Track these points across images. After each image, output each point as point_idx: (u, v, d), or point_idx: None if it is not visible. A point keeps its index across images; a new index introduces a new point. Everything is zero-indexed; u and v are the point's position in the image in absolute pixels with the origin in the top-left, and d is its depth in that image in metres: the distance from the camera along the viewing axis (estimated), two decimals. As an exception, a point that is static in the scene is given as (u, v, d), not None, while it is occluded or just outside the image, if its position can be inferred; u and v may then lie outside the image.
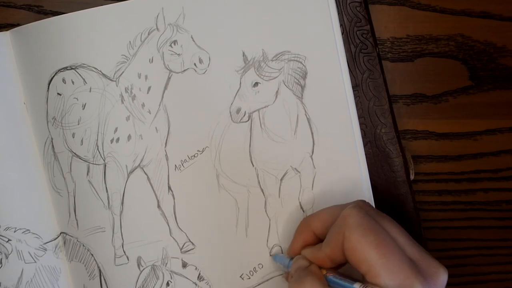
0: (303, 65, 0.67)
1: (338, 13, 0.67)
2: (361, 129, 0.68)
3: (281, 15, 0.67)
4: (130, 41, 0.66)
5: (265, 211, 0.69)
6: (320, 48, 0.67)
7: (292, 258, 0.64)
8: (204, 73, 0.67)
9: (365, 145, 0.68)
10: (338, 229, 0.56)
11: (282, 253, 0.68)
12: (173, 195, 0.68)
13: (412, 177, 0.69)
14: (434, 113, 0.71)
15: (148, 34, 0.67)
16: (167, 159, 0.68)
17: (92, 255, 0.69)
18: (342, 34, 0.67)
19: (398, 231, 0.56)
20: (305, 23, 0.67)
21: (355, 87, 0.68)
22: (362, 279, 0.55)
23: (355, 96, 0.68)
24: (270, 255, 0.68)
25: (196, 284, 0.68)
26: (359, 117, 0.68)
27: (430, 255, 0.55)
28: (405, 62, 0.71)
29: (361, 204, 0.58)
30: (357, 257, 0.54)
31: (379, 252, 0.53)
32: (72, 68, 0.67)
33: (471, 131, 0.72)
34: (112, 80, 0.67)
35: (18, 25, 0.68)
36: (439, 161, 0.72)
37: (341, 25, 0.67)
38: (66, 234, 0.69)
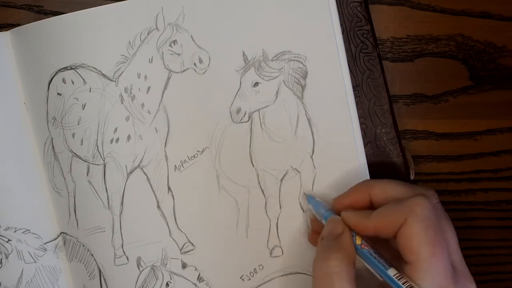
0: (304, 65, 0.67)
1: (338, 13, 0.67)
2: (361, 129, 0.68)
3: (282, 15, 0.67)
4: (129, 41, 0.67)
5: (266, 211, 0.69)
6: (320, 48, 0.67)
7: (329, 210, 0.63)
8: (204, 73, 0.67)
9: (365, 145, 0.68)
10: (401, 211, 0.56)
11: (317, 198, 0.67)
12: (172, 195, 0.68)
13: (412, 177, 0.69)
14: (434, 113, 0.71)
15: (148, 34, 0.67)
16: (166, 159, 0.68)
17: (92, 255, 0.69)
18: (342, 34, 0.67)
19: (452, 234, 0.58)
20: (306, 22, 0.67)
21: (355, 87, 0.68)
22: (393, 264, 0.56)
23: (355, 96, 0.68)
24: (305, 194, 0.68)
25: (195, 285, 0.69)
26: (359, 117, 0.68)
27: (467, 268, 0.58)
28: (405, 62, 0.71)
29: (430, 195, 0.59)
30: (410, 246, 0.55)
31: (433, 251, 0.54)
32: (72, 68, 0.67)
33: (471, 131, 0.72)
34: (112, 80, 0.67)
35: (18, 25, 0.68)
36: (439, 161, 0.72)
37: (341, 25, 0.67)
38: (66, 234, 0.69)
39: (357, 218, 0.59)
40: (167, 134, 0.68)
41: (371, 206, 0.61)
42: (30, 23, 0.67)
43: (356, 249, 0.58)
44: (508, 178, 0.72)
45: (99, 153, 0.68)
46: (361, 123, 0.68)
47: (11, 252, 0.68)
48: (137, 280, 0.69)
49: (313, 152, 0.68)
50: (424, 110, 0.71)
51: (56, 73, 0.67)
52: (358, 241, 0.58)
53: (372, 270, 0.58)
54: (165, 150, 0.68)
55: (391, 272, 0.56)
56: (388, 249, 0.59)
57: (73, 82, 0.67)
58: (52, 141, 0.68)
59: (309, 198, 0.67)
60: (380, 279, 0.57)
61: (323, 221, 0.63)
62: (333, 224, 0.61)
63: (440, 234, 0.55)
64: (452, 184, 0.73)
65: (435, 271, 0.54)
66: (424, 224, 0.55)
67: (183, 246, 0.68)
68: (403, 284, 0.54)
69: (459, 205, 0.73)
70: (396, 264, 0.57)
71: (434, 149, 0.72)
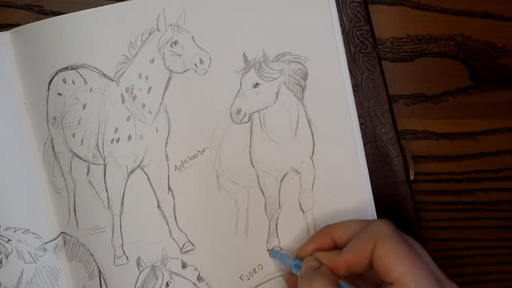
0: (304, 66, 0.67)
1: (338, 14, 0.67)
2: (361, 129, 0.68)
3: (282, 16, 0.67)
4: (131, 41, 0.67)
5: (265, 212, 0.69)
6: (320, 49, 0.67)
7: (296, 258, 0.64)
8: (204, 73, 0.67)
9: (364, 145, 0.68)
10: (367, 237, 0.57)
11: (282, 251, 0.68)
12: (173, 195, 0.68)
13: (412, 177, 0.70)
14: (434, 113, 0.72)
15: (149, 34, 0.67)
16: (167, 159, 0.68)
17: (92, 255, 0.69)
18: (342, 34, 0.68)
19: (424, 251, 0.58)
20: (306, 24, 0.67)
21: (355, 87, 0.68)
22: None
23: (355, 96, 0.68)
24: (268, 250, 0.68)
25: (195, 285, 0.69)
26: (359, 117, 0.68)
27: (449, 279, 0.57)
28: (405, 62, 0.71)
29: (390, 222, 0.59)
30: (387, 265, 0.55)
31: (410, 263, 0.54)
32: (73, 68, 0.67)
33: (471, 131, 0.72)
34: (113, 80, 0.67)
35: (18, 25, 0.68)
36: (439, 161, 0.72)
37: (340, 25, 0.67)
38: (66, 234, 0.69)
39: (329, 257, 0.60)
40: (168, 134, 0.68)
41: (336, 249, 0.62)
42: (30, 23, 0.67)
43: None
44: (508, 178, 0.73)
45: (100, 153, 0.68)
46: (360, 123, 0.68)
47: (11, 252, 0.68)
48: (137, 280, 0.69)
49: (313, 153, 0.68)
50: (424, 110, 0.72)
51: (56, 73, 0.67)
52: (340, 280, 0.59)
53: None
54: (165, 150, 0.68)
55: None
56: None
57: (73, 82, 0.67)
58: (52, 141, 0.68)
59: (274, 253, 0.68)
60: None
61: (293, 271, 0.64)
62: (309, 262, 0.61)
63: (411, 247, 0.56)
64: (452, 184, 0.73)
65: (419, 282, 0.54)
66: (394, 241, 0.56)
67: (183, 246, 0.68)
68: None
69: (459, 205, 0.73)
70: None
71: (434, 149, 0.72)
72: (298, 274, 0.62)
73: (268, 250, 0.69)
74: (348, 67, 0.68)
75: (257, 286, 0.69)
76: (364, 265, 0.57)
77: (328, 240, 0.63)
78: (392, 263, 0.55)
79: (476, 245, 0.74)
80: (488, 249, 0.74)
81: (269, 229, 0.69)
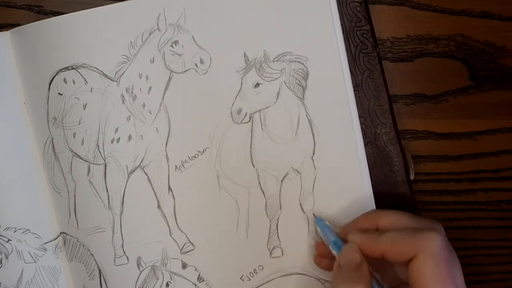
0: (305, 66, 0.67)
1: (338, 13, 0.67)
2: (361, 129, 0.68)
3: (283, 16, 0.66)
4: (131, 41, 0.66)
5: (266, 212, 0.68)
6: (321, 49, 0.67)
7: (337, 236, 0.63)
8: (205, 73, 0.67)
9: (365, 145, 0.68)
10: (413, 244, 0.56)
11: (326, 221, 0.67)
12: (173, 195, 0.68)
13: (412, 177, 0.69)
14: (434, 113, 0.71)
15: (149, 34, 0.66)
16: (167, 159, 0.68)
17: (92, 255, 0.69)
18: (342, 34, 0.67)
19: (459, 269, 0.57)
20: (307, 24, 0.67)
21: (355, 87, 0.68)
22: None
23: (355, 96, 0.68)
24: (314, 215, 0.68)
25: (196, 285, 0.68)
26: (359, 117, 0.68)
27: None
28: (405, 62, 0.71)
29: (439, 229, 0.58)
30: (421, 282, 0.54)
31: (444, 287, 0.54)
32: (73, 68, 0.67)
33: (471, 131, 0.72)
34: (113, 80, 0.67)
35: (18, 25, 0.68)
36: (439, 161, 0.72)
37: (341, 25, 0.67)
38: (66, 234, 0.69)
39: (366, 239, 0.60)
40: (168, 134, 0.67)
41: None
42: (30, 23, 0.67)
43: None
44: (508, 178, 0.72)
45: (100, 153, 0.68)
46: (361, 123, 0.68)
47: (11, 252, 0.68)
48: (137, 280, 0.68)
49: (313, 153, 0.68)
50: (424, 110, 0.71)
51: (57, 73, 0.67)
52: (373, 279, 0.59)
53: None
54: (166, 150, 0.68)
55: None
56: (391, 273, 0.60)
57: (74, 82, 0.67)
58: (52, 141, 0.68)
59: (318, 220, 0.67)
60: None
61: (330, 246, 0.63)
62: (351, 253, 0.60)
63: (450, 271, 0.55)
64: (452, 184, 0.73)
65: None
66: (436, 261, 0.55)
67: (183, 246, 0.68)
68: None
69: (459, 205, 0.73)
70: None
71: (434, 149, 0.72)
72: (334, 252, 0.62)
73: (313, 214, 0.68)
74: (349, 67, 0.67)
75: (257, 286, 0.69)
76: (397, 261, 0.57)
77: (373, 225, 0.62)
78: (425, 283, 0.54)
79: (476, 245, 0.73)
80: (488, 249, 0.74)
81: (269, 229, 0.68)
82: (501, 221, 0.73)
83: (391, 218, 0.61)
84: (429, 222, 0.60)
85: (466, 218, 0.73)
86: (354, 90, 0.67)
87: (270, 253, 0.69)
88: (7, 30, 0.68)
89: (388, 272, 0.61)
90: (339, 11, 0.67)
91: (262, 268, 0.69)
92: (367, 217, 0.63)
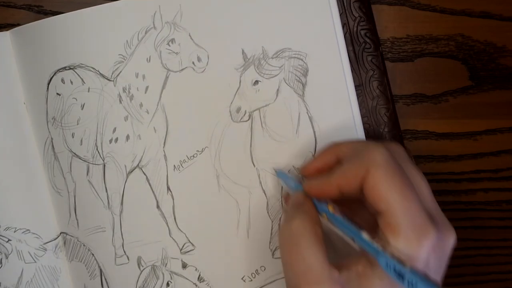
0: (304, 62, 0.66)
1: (342, 12, 0.66)
2: (364, 128, 0.66)
3: (281, 12, 0.65)
4: (127, 40, 0.65)
5: (267, 212, 0.67)
6: (321, 45, 0.66)
7: (299, 183, 0.61)
8: (202, 71, 0.66)
9: (367, 144, 0.67)
10: (361, 162, 0.54)
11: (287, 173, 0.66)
12: (172, 195, 0.67)
13: (412, 177, 0.68)
14: (434, 113, 0.70)
15: (145, 33, 0.65)
16: (165, 159, 0.67)
17: (92, 254, 0.68)
18: (346, 33, 0.66)
19: (422, 182, 0.55)
20: (306, 19, 0.65)
21: (359, 86, 0.67)
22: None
23: (359, 96, 0.66)
24: (275, 169, 0.66)
25: (196, 285, 0.68)
26: (363, 116, 0.67)
27: (445, 217, 0.55)
28: (405, 62, 0.70)
29: (392, 146, 0.57)
30: (378, 195, 0.52)
31: (402, 195, 0.52)
32: (70, 68, 0.66)
33: (471, 131, 0.70)
34: (110, 80, 0.66)
35: (18, 25, 0.67)
36: (439, 161, 0.71)
37: (344, 24, 0.66)
38: (66, 234, 0.68)
39: (320, 181, 0.58)
40: (166, 134, 0.66)
41: None
42: (30, 23, 0.66)
43: (329, 217, 0.56)
44: (508, 178, 0.71)
45: (99, 153, 0.67)
46: (364, 122, 0.67)
47: (11, 252, 0.67)
48: (137, 280, 0.68)
49: (315, 151, 0.66)
50: (424, 110, 0.70)
51: (55, 73, 0.66)
52: (331, 208, 0.56)
53: (345, 236, 0.55)
54: (164, 150, 0.67)
55: (364, 234, 0.53)
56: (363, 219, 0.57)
57: (71, 82, 0.66)
58: (52, 141, 0.67)
59: (279, 173, 0.66)
60: (353, 243, 0.54)
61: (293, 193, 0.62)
62: (295, 197, 0.59)
63: (405, 178, 0.53)
64: (452, 184, 0.71)
65: (409, 213, 0.51)
66: (387, 170, 0.52)
67: (183, 246, 0.67)
68: (376, 242, 0.52)
69: (459, 205, 0.72)
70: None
71: (434, 149, 0.71)
72: None
73: (274, 169, 0.66)
74: (352, 66, 0.66)
75: (259, 287, 0.68)
76: (356, 191, 0.54)
77: (333, 157, 0.60)
78: (382, 194, 0.52)
79: (476, 245, 0.72)
80: (488, 249, 0.72)
81: (271, 229, 0.67)
82: (501, 221, 0.72)
83: (349, 145, 0.59)
84: (388, 141, 0.58)
85: (466, 218, 0.72)
86: (358, 90, 0.66)
87: (272, 254, 0.67)
88: (7, 30, 0.67)
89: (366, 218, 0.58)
90: (342, 11, 0.66)
91: (264, 269, 0.67)
92: (327, 151, 0.61)
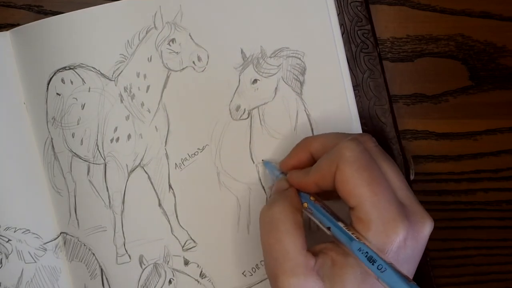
0: (302, 61, 0.66)
1: (339, 13, 0.66)
2: (362, 129, 0.67)
3: (279, 11, 0.65)
4: (128, 40, 0.65)
5: (267, 208, 0.67)
6: (318, 44, 0.66)
7: (281, 173, 0.62)
8: (203, 71, 0.66)
9: (365, 145, 0.66)
10: (332, 158, 0.54)
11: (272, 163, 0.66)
12: (174, 193, 0.67)
13: (412, 177, 0.68)
14: (434, 113, 0.70)
15: (146, 32, 0.65)
16: (167, 157, 0.67)
17: (93, 254, 0.67)
18: (343, 33, 0.66)
19: (394, 173, 0.55)
20: (303, 18, 0.65)
21: (356, 86, 0.66)
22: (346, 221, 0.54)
23: (356, 96, 0.66)
24: (262, 160, 0.67)
25: (198, 282, 0.68)
26: (360, 117, 0.67)
27: (420, 204, 0.55)
28: (405, 62, 0.69)
29: (363, 139, 0.57)
30: (348, 191, 0.53)
31: (371, 190, 0.52)
32: (70, 68, 0.65)
33: (471, 131, 0.70)
34: (111, 80, 0.66)
35: (18, 25, 0.67)
36: (439, 161, 0.70)
37: (342, 24, 0.66)
38: (67, 234, 0.68)
39: (300, 176, 0.58)
40: (167, 133, 0.66)
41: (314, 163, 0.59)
42: (30, 23, 0.66)
43: (310, 205, 0.57)
44: (508, 178, 0.71)
45: (100, 152, 0.66)
46: (361, 124, 0.67)
47: (11, 252, 0.67)
48: (139, 278, 0.68)
49: (313, 148, 0.66)
50: (424, 110, 0.70)
51: (55, 73, 0.66)
52: (312, 198, 0.57)
53: (322, 226, 0.56)
54: (165, 149, 0.67)
55: (340, 224, 0.54)
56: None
57: (72, 82, 0.66)
58: (52, 141, 0.67)
59: (266, 163, 0.66)
60: (329, 234, 0.55)
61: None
62: (279, 183, 0.60)
63: (376, 172, 0.53)
64: (452, 184, 0.71)
65: (378, 209, 0.51)
66: (355, 166, 0.53)
67: (185, 244, 0.67)
68: (352, 234, 0.52)
69: (459, 205, 0.71)
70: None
71: (434, 149, 0.70)
72: None
73: (262, 160, 0.67)
74: (349, 66, 0.66)
75: (260, 281, 0.68)
76: (331, 186, 0.55)
77: (306, 154, 0.60)
78: (352, 190, 0.52)
79: (476, 245, 0.72)
80: (488, 249, 0.72)
81: None
82: (501, 221, 0.71)
83: (321, 141, 0.60)
84: (356, 134, 0.58)
85: (466, 218, 0.71)
86: (355, 90, 0.66)
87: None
88: (7, 30, 0.67)
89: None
90: (340, 11, 0.66)
91: None
92: (300, 147, 0.62)
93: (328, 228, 0.55)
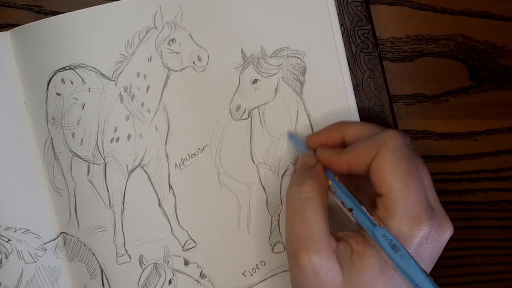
0: (302, 61, 0.65)
1: (339, 13, 0.66)
2: (362, 126, 0.66)
3: (279, 11, 0.65)
4: (128, 40, 0.65)
5: (267, 208, 0.67)
6: (318, 44, 0.65)
7: (308, 147, 0.62)
8: (203, 71, 0.65)
9: (365, 144, 0.66)
10: (373, 144, 0.55)
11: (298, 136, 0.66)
12: (174, 193, 0.67)
13: (412, 177, 0.67)
14: (434, 113, 0.69)
15: (146, 32, 0.65)
16: (167, 157, 0.66)
17: (93, 254, 0.67)
18: (343, 33, 0.66)
19: (426, 174, 0.55)
20: (304, 18, 0.65)
21: (356, 86, 0.66)
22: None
23: (356, 96, 0.66)
24: (288, 131, 0.66)
25: (198, 282, 0.67)
26: (360, 117, 0.66)
27: (443, 209, 0.55)
28: (405, 62, 0.69)
29: (404, 135, 0.57)
30: (382, 177, 0.53)
31: (405, 181, 0.52)
32: (70, 68, 0.65)
33: (471, 131, 0.70)
34: (111, 80, 0.65)
35: (18, 25, 0.66)
36: (439, 161, 0.70)
37: (342, 24, 0.66)
38: (67, 234, 0.67)
39: (331, 154, 0.58)
40: (167, 133, 0.66)
41: (344, 146, 0.60)
42: (30, 23, 0.65)
43: (335, 184, 0.57)
44: (508, 178, 0.70)
45: (100, 152, 0.66)
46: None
47: (11, 252, 0.67)
48: (139, 278, 0.67)
49: (312, 148, 0.66)
50: (424, 110, 0.69)
51: (55, 73, 0.66)
52: (337, 177, 0.57)
53: (344, 208, 0.56)
54: (165, 149, 0.66)
55: (363, 208, 0.54)
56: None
57: (72, 82, 0.65)
58: (52, 141, 0.67)
59: (291, 135, 0.66)
60: (351, 217, 0.55)
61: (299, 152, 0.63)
62: (306, 158, 0.60)
63: (412, 166, 0.53)
64: (452, 184, 0.71)
65: (407, 201, 0.52)
66: (396, 155, 0.53)
67: (185, 244, 0.67)
68: (374, 219, 0.52)
69: (459, 205, 0.71)
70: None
71: (434, 149, 0.70)
72: None
73: (288, 131, 0.66)
74: (349, 66, 0.66)
75: (260, 282, 0.68)
76: (363, 170, 0.55)
77: (338, 135, 0.60)
78: (386, 176, 0.53)
79: (476, 245, 0.71)
80: (488, 249, 0.71)
81: (271, 225, 0.67)
82: (501, 221, 0.71)
83: (357, 128, 0.60)
84: (393, 129, 0.58)
85: (466, 218, 0.71)
86: (355, 90, 0.66)
87: (272, 249, 0.67)
88: (7, 30, 0.66)
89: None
90: (340, 11, 0.66)
91: (264, 264, 0.67)
92: (334, 127, 0.62)
93: (350, 210, 0.55)
